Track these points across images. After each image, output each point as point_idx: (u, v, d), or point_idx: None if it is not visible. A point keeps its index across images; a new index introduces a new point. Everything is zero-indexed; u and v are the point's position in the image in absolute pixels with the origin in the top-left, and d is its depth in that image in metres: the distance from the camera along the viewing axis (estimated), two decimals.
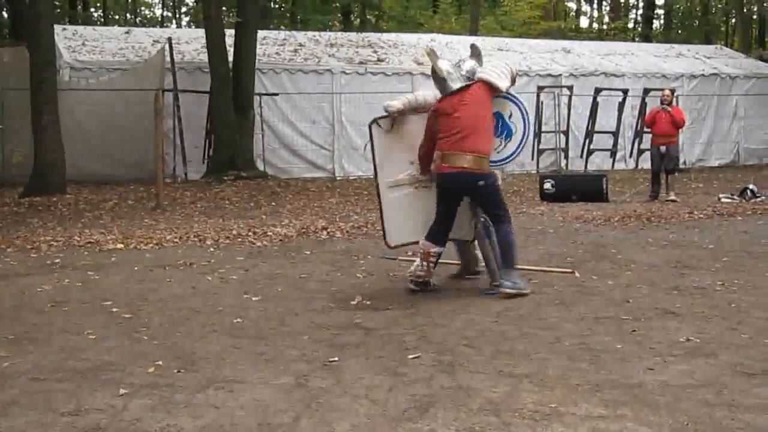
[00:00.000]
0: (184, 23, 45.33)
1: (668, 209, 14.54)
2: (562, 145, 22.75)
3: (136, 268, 9.39)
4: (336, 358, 5.81)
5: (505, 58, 23.16)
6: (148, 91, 16.44)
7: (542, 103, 22.14)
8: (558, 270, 9.09)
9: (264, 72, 20.54)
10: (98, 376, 5.46)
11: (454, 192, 7.91)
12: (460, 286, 8.42)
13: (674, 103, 17.27)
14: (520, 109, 8.32)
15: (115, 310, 7.38)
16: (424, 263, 7.98)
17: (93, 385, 5.28)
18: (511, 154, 8.35)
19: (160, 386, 5.24)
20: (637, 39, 43.88)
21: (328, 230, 12.03)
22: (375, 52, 22.66)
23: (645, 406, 4.88)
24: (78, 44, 20.66)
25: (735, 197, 16.27)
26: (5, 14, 34.01)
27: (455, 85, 7.88)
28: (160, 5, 48.70)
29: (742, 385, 5.24)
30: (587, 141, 22.65)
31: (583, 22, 49.63)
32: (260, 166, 19.98)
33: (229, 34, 20.02)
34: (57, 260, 9.90)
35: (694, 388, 5.18)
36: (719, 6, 45.76)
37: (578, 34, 40.26)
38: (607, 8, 48.28)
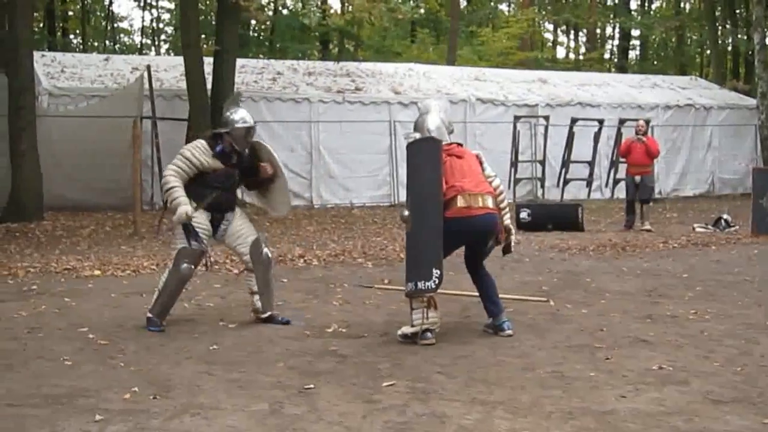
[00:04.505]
0: (163, 51, 45.27)
1: (643, 238, 14.65)
2: (539, 174, 22.83)
3: (112, 295, 9.40)
4: (311, 385, 5.84)
5: (482, 89, 23.52)
6: (126, 118, 16.43)
7: (519, 132, 22.22)
8: (533, 299, 9.17)
9: (242, 100, 20.49)
10: (73, 402, 5.47)
11: (473, 236, 7.41)
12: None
13: (649, 133, 17.36)
14: None
15: (91, 336, 7.39)
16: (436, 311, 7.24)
17: (68, 411, 5.29)
18: None
19: (135, 412, 5.26)
20: (612, 69, 44.20)
21: (305, 258, 12.06)
22: (353, 81, 22.72)
23: None
24: (57, 71, 20.63)
25: (709, 227, 16.40)
26: None
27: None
28: (140, 33, 48.70)
29: (713, 412, 5.31)
30: (563, 170, 22.75)
31: (560, 53, 49.97)
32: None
33: (208, 62, 20.02)
34: (33, 287, 9.88)
35: (665, 415, 5.25)
36: (694, 37, 46.15)
37: (555, 64, 40.42)
38: (584, 39, 48.55)
